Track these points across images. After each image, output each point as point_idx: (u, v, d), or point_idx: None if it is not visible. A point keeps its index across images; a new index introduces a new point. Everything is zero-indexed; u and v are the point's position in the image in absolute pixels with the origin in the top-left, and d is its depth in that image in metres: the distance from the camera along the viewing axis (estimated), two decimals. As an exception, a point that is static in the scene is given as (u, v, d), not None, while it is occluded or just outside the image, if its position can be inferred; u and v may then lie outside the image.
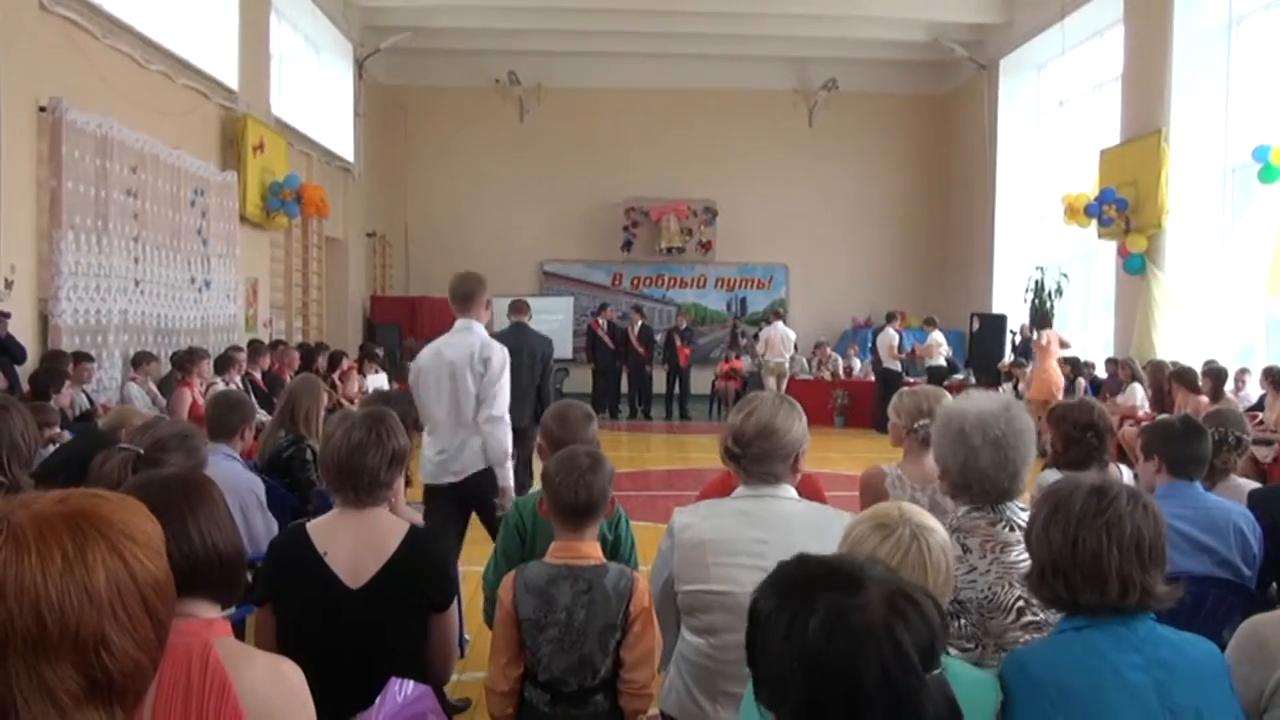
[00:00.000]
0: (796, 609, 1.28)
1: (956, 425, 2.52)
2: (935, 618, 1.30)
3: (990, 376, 14.98)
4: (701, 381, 17.93)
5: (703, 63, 18.98)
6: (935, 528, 1.90)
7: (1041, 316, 13.70)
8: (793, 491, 2.66)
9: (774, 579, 1.38)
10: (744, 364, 17.05)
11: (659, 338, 17.58)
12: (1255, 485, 3.91)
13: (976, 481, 2.48)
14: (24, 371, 7.82)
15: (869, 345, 17.25)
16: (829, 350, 17.22)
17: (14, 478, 2.85)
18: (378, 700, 2.14)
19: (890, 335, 15.11)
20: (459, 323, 5.09)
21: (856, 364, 17.46)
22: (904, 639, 1.24)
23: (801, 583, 1.33)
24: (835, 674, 1.23)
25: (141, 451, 2.87)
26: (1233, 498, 3.65)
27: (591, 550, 2.68)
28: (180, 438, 3.14)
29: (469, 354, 4.87)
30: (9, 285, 8.06)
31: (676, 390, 16.97)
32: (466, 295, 5.13)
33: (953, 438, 2.52)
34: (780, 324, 15.88)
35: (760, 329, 16.93)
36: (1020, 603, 2.25)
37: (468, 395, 4.85)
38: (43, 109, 8.48)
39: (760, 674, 1.33)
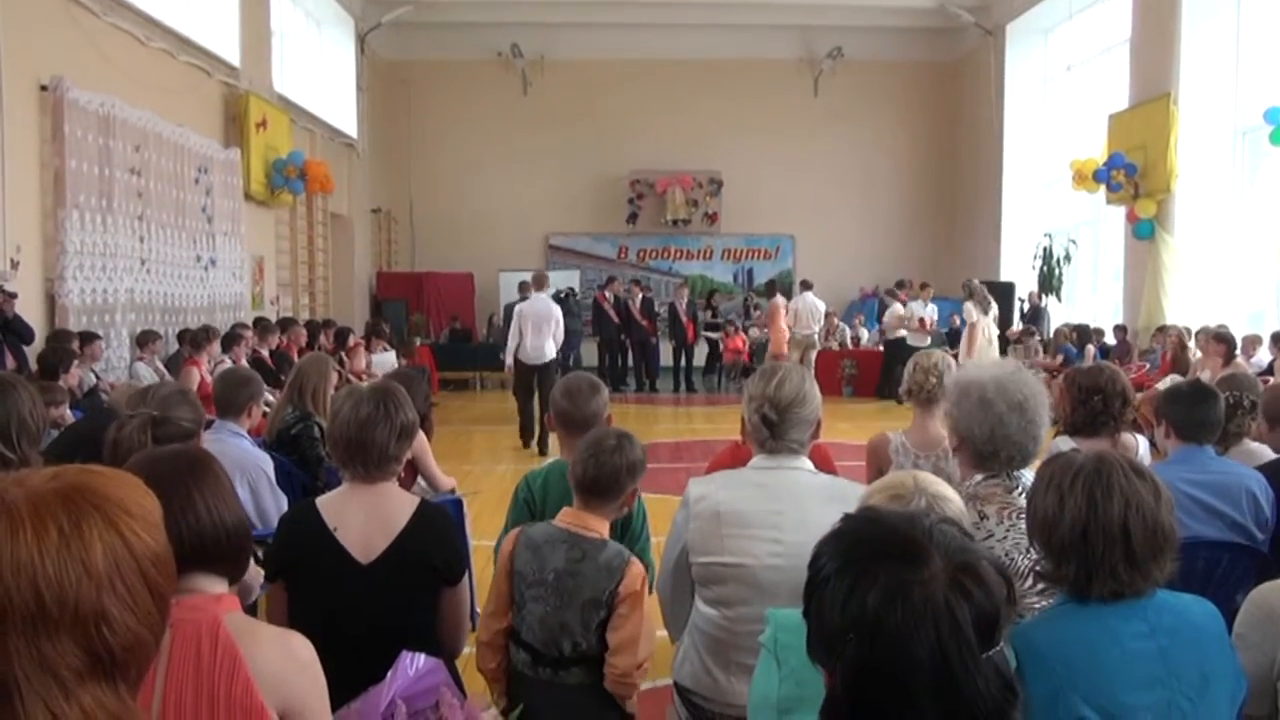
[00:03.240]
0: (857, 576, 1.26)
1: (977, 393, 2.47)
2: (1000, 595, 1.27)
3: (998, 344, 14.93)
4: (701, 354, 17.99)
5: (707, 33, 18.83)
6: (950, 497, 1.87)
7: (770, 286, 15.11)
8: (809, 463, 2.64)
9: (840, 538, 1.35)
10: (745, 340, 16.97)
11: (662, 310, 17.54)
12: (1268, 450, 3.87)
13: (1004, 448, 2.44)
14: (31, 351, 7.83)
15: (875, 315, 17.19)
16: (836, 320, 17.15)
17: (23, 454, 2.85)
18: (390, 674, 2.14)
19: (895, 305, 15.04)
20: (535, 294, 10.56)
21: (864, 334, 17.43)
22: (963, 617, 1.22)
23: (866, 548, 1.30)
24: (889, 647, 1.21)
25: (156, 414, 2.87)
26: (1247, 462, 3.63)
27: (598, 525, 2.65)
28: (180, 394, 3.19)
29: (547, 309, 10.47)
30: (15, 266, 8.06)
31: (683, 363, 16.95)
32: (541, 283, 10.80)
33: (975, 406, 2.47)
34: (809, 295, 15.23)
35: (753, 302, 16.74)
36: (1037, 569, 2.23)
37: (546, 326, 10.33)
38: (44, 88, 8.45)
39: (814, 631, 1.32)
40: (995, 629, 1.25)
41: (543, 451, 10.06)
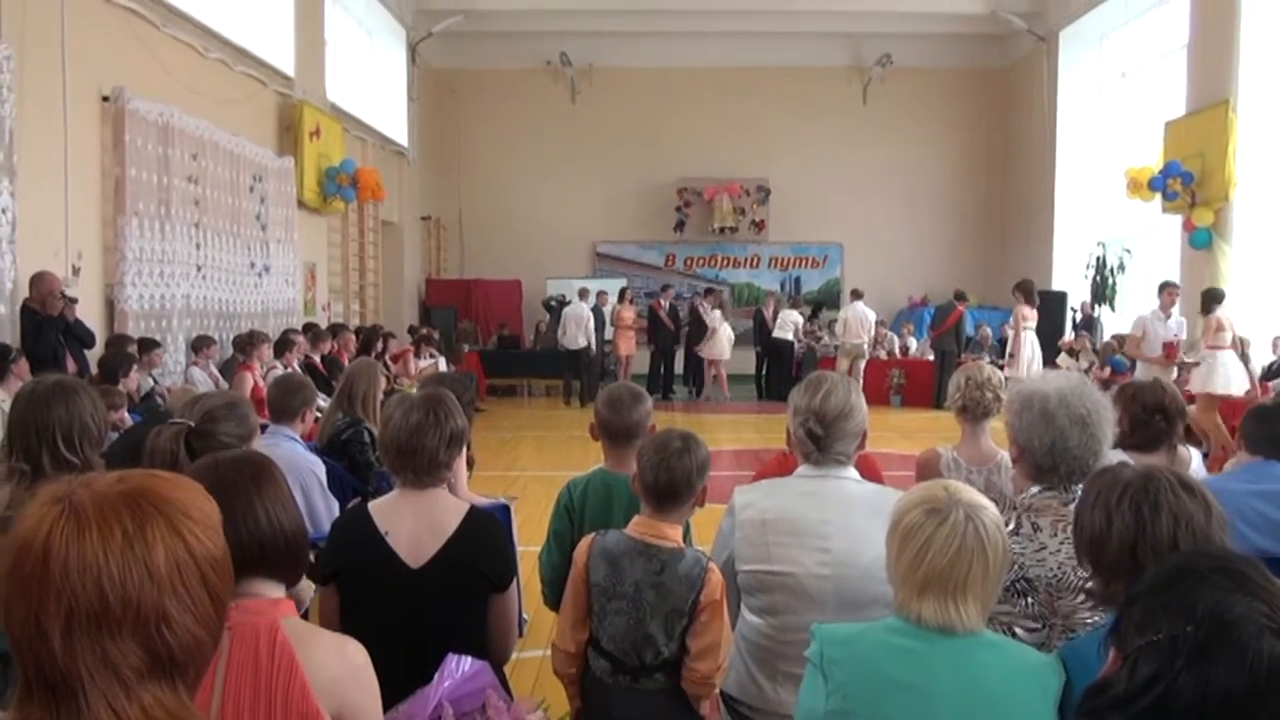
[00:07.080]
0: (1227, 590, 1.26)
1: (1039, 406, 2.44)
2: None
3: (1050, 354, 14.70)
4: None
5: (755, 40, 18.81)
6: (985, 504, 1.86)
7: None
8: (855, 472, 2.63)
9: (1222, 559, 1.35)
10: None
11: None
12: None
13: (1064, 462, 2.41)
14: (91, 356, 8.00)
15: (925, 324, 17.04)
16: (885, 329, 17.02)
17: (86, 458, 2.90)
18: (436, 676, 2.16)
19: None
20: (577, 301, 15.90)
21: (913, 343, 17.28)
22: (1270, 659, 1.21)
23: (1250, 577, 1.30)
24: (1210, 656, 1.21)
25: (193, 424, 2.90)
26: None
27: (672, 533, 2.64)
28: (228, 407, 3.11)
29: (581, 312, 15.63)
30: (76, 272, 8.25)
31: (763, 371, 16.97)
32: (582, 295, 15.96)
33: (1036, 419, 2.44)
34: (859, 304, 15.29)
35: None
36: (1087, 587, 2.20)
37: (583, 323, 15.45)
38: (106, 98, 8.65)
39: (1139, 611, 1.32)
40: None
41: (584, 403, 14.91)
